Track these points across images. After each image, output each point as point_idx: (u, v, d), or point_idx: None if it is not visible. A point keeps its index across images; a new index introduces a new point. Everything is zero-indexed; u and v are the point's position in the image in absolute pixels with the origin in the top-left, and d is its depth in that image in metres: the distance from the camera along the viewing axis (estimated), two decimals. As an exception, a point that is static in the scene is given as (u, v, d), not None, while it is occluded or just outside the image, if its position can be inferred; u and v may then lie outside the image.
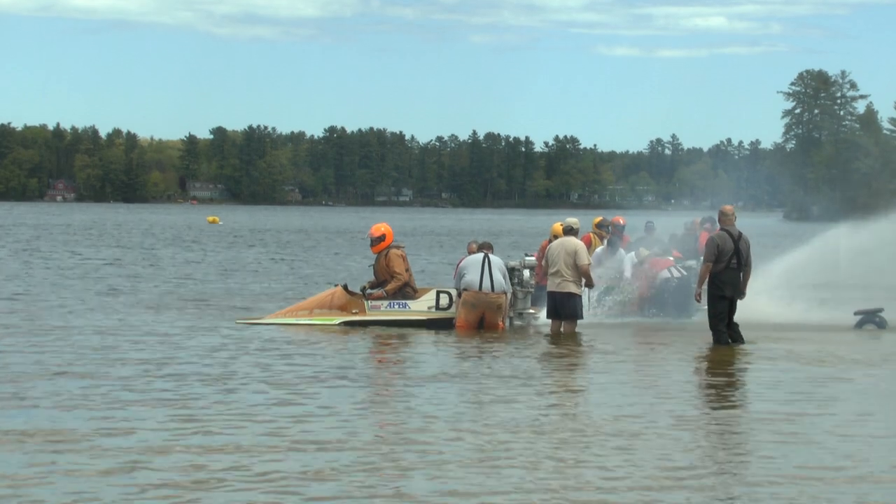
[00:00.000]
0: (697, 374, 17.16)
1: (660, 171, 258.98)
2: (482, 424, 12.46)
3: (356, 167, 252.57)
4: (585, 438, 11.85)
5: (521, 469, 10.53)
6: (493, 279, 21.07)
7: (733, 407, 14.11)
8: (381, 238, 21.89)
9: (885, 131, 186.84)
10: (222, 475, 10.14)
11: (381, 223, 22.39)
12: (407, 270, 21.84)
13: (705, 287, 19.72)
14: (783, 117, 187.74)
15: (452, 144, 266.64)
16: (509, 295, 21.48)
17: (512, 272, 21.64)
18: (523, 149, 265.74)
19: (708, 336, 19.53)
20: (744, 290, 19.74)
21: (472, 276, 21.08)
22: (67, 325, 21.03)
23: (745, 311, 24.29)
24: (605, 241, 23.56)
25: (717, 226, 24.25)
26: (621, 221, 24.70)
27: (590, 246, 23.12)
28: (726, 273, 19.33)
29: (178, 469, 10.32)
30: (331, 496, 9.60)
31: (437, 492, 9.76)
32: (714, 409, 13.92)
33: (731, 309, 19.44)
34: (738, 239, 19.42)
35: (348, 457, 10.88)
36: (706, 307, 19.81)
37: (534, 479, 10.17)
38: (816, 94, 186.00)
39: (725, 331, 19.35)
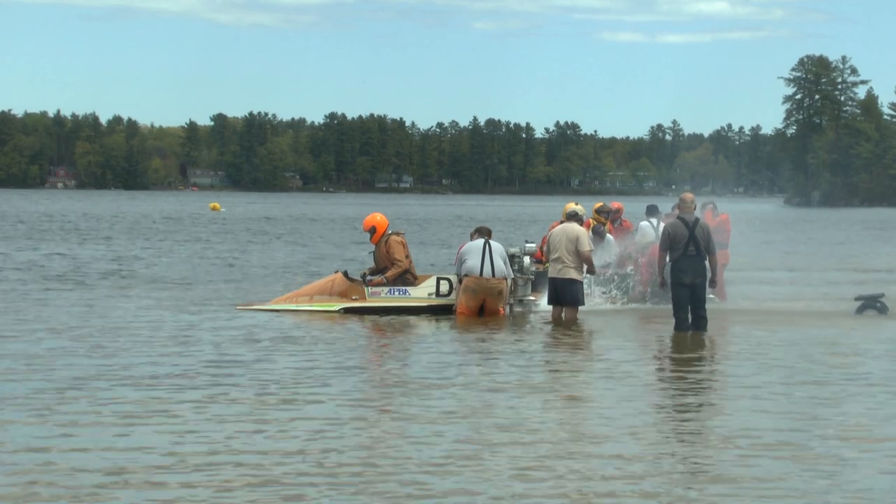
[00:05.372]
0: (669, 369, 17.12)
1: (660, 157, 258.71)
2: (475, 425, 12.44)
3: (357, 154, 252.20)
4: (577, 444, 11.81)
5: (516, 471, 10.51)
6: (494, 265, 21.06)
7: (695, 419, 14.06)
8: (373, 231, 22.01)
9: (885, 116, 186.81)
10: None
11: (372, 214, 22.43)
12: (407, 257, 21.88)
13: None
14: (784, 103, 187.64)
15: (453, 131, 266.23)
16: (510, 281, 21.47)
17: (512, 259, 21.62)
18: (524, 135, 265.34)
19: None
20: (715, 278, 19.73)
21: (472, 262, 21.07)
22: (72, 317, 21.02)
23: (749, 294, 24.49)
24: (590, 230, 23.37)
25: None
26: (614, 206, 24.73)
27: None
28: (684, 260, 19.26)
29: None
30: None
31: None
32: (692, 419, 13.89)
33: (696, 296, 19.34)
34: (693, 226, 19.31)
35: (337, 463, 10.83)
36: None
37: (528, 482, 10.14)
38: (817, 79, 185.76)
39: (686, 318, 19.31)
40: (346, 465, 10.01)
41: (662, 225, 22.06)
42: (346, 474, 9.74)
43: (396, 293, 21.67)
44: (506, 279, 21.26)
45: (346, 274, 22.03)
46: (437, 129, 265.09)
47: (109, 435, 11.01)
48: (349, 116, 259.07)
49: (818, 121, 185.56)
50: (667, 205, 25.03)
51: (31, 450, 10.40)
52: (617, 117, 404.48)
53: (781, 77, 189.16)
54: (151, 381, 13.82)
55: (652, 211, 24.70)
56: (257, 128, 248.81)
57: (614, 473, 9.89)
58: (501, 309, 21.21)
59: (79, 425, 11.39)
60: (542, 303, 21.55)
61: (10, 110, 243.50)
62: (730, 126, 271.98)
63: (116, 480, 9.45)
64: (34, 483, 9.35)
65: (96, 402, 12.50)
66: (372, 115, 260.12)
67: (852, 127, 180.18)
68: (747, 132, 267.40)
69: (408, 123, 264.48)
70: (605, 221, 24.04)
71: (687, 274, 19.20)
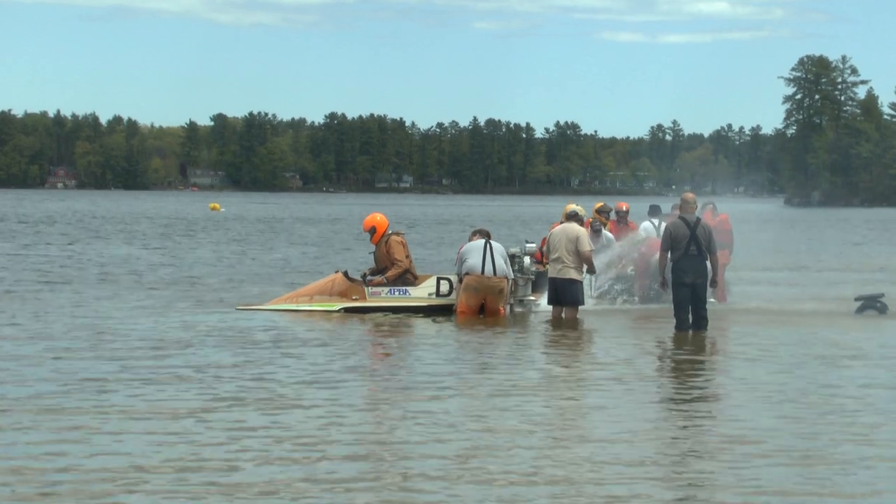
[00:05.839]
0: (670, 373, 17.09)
1: (660, 157, 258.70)
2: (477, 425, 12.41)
3: (357, 153, 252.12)
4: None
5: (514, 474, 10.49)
6: (496, 264, 21.06)
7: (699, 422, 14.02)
8: (373, 231, 21.98)
9: (885, 116, 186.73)
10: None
11: (372, 214, 22.39)
12: (407, 257, 21.87)
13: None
14: (784, 103, 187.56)
15: (453, 131, 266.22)
16: (510, 281, 21.44)
17: (512, 259, 21.61)
18: (524, 135, 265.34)
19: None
20: (716, 278, 19.73)
21: (474, 260, 21.04)
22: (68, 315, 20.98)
23: (749, 294, 24.50)
24: (590, 228, 23.20)
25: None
26: (624, 207, 24.69)
27: (590, 232, 23.03)
28: (685, 260, 19.24)
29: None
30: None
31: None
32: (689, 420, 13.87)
33: (697, 296, 19.32)
34: (695, 226, 19.29)
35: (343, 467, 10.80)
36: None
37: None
38: (817, 79, 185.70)
39: (687, 318, 19.29)
40: (342, 471, 9.93)
41: (664, 225, 22.02)
42: (342, 480, 9.68)
43: (397, 293, 21.65)
44: (507, 278, 21.25)
45: (346, 274, 22.01)
46: (437, 129, 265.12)
47: (106, 439, 10.93)
48: (349, 116, 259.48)
49: (818, 121, 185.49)
50: (667, 205, 25.03)
51: (25, 456, 10.38)
52: (617, 117, 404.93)
53: (781, 77, 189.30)
54: (149, 384, 13.76)
55: (654, 211, 24.67)
56: (257, 128, 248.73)
57: (615, 478, 9.85)
58: (502, 308, 21.18)
59: (74, 429, 11.27)
60: (543, 303, 21.54)
61: (10, 110, 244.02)
62: (730, 126, 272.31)
63: (115, 487, 9.43)
64: (23, 482, 9.34)
65: (93, 405, 12.44)
66: (372, 114, 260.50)
67: (852, 127, 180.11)
68: (747, 132, 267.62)
69: (408, 123, 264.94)
70: (606, 221, 24.02)
71: (688, 274, 19.18)
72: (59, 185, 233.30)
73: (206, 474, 9.66)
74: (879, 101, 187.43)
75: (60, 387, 13.35)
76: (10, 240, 47.77)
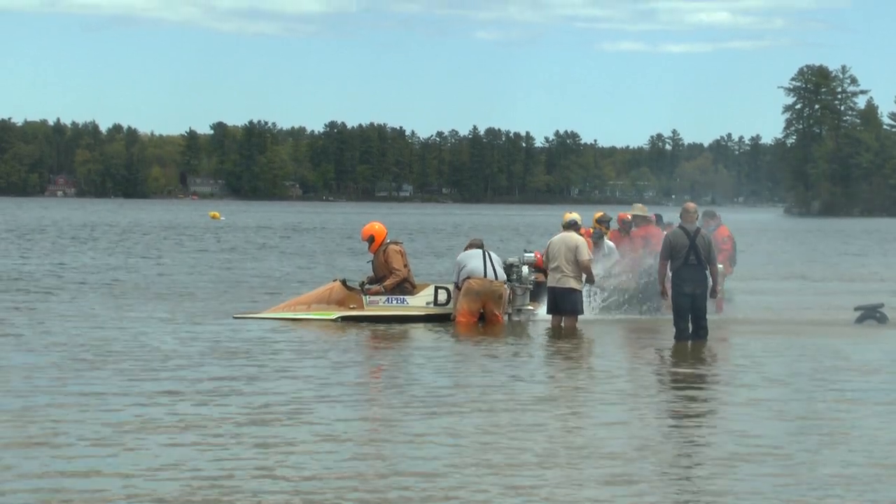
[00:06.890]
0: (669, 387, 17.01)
1: (660, 167, 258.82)
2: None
3: (357, 162, 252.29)
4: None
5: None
6: (496, 270, 21.05)
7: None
8: (371, 240, 21.92)
9: (885, 126, 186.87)
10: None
11: (370, 223, 22.34)
12: (405, 266, 21.82)
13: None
14: (784, 112, 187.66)
15: (453, 140, 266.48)
16: (508, 289, 21.39)
17: (511, 268, 21.56)
18: (524, 144, 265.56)
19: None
20: (716, 288, 19.64)
21: (475, 264, 21.03)
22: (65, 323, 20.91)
23: (749, 304, 24.44)
24: (591, 239, 23.13)
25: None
26: (628, 217, 24.64)
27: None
28: (685, 269, 19.18)
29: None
30: None
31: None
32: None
33: (696, 306, 19.24)
34: (694, 236, 19.23)
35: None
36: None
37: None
38: (817, 89, 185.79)
39: (686, 328, 19.22)
40: (337, 489, 9.83)
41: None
42: (334, 496, 9.59)
43: (394, 302, 21.59)
44: (505, 284, 21.23)
45: (344, 282, 21.95)
46: (437, 138, 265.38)
47: (99, 452, 10.79)
48: (349, 125, 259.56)
49: (818, 130, 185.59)
50: (668, 214, 24.98)
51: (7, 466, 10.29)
52: (617, 126, 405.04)
53: (781, 86, 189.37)
54: (146, 396, 13.65)
55: (659, 220, 24.63)
56: (257, 136, 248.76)
57: (617, 494, 9.74)
58: (500, 315, 21.11)
59: (65, 445, 11.10)
60: (541, 312, 21.48)
61: (10, 118, 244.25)
62: (729, 136, 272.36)
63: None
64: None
65: (83, 419, 12.29)
66: (372, 123, 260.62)
67: (852, 136, 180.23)
68: (747, 142, 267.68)
69: (408, 132, 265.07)
70: (606, 231, 23.96)
71: (688, 283, 19.11)
72: (59, 193, 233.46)
73: (195, 489, 9.56)
74: (879, 111, 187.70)
75: (51, 399, 13.21)
76: (11, 249, 47.69)
